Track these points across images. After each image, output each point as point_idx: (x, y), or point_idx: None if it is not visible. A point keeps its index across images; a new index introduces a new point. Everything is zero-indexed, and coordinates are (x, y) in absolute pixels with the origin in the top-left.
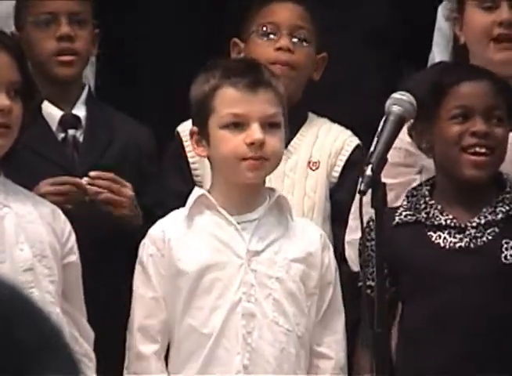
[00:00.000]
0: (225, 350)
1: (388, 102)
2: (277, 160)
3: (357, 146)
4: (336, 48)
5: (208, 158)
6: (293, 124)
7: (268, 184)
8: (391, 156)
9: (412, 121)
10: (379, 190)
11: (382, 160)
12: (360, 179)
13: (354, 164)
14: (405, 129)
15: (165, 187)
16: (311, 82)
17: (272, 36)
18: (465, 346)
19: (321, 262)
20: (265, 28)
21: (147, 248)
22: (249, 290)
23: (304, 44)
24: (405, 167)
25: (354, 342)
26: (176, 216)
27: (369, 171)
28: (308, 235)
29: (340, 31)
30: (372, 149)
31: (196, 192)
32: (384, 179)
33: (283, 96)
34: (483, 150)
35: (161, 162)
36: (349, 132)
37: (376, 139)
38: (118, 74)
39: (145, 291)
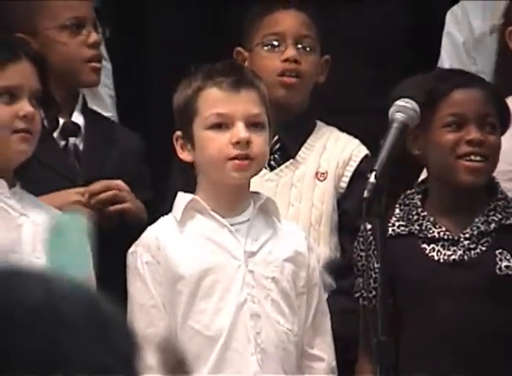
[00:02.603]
0: (235, 352)
1: (392, 109)
2: (263, 161)
3: (365, 156)
4: (344, 61)
5: (192, 163)
6: (301, 133)
7: (275, 194)
8: None
9: None
10: (382, 198)
11: (385, 168)
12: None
13: (362, 174)
14: None
15: (171, 188)
16: (320, 94)
17: (277, 47)
18: (462, 358)
19: (308, 262)
20: (269, 39)
21: (141, 256)
22: (251, 291)
23: (310, 52)
24: None
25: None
26: (166, 222)
27: (372, 178)
28: (295, 236)
29: (348, 45)
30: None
31: (185, 197)
32: None
33: (265, 96)
34: (478, 158)
35: (170, 164)
36: (357, 142)
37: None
38: (125, 75)
39: (144, 299)
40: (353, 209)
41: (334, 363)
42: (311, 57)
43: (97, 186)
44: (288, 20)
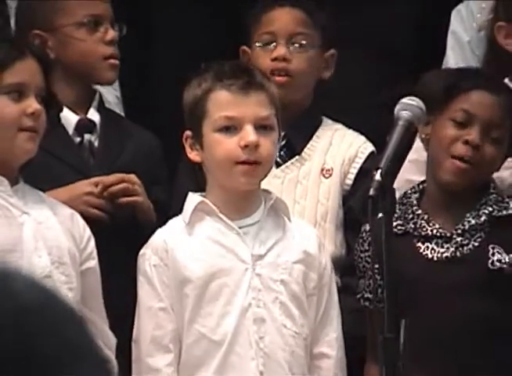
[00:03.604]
0: (237, 357)
1: (398, 107)
2: (270, 165)
3: (371, 153)
4: (349, 61)
5: (201, 163)
6: (307, 130)
7: (281, 191)
8: None
9: None
10: (387, 195)
11: (391, 166)
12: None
13: (367, 171)
14: None
15: (178, 189)
16: (325, 86)
17: (270, 45)
18: (456, 354)
19: (319, 262)
20: (263, 38)
21: (149, 259)
22: (257, 295)
23: (304, 49)
24: None
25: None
26: (175, 224)
27: (378, 176)
28: (305, 235)
29: (353, 44)
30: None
31: (194, 198)
32: None
33: (275, 98)
34: (467, 164)
35: (178, 164)
36: (363, 138)
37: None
38: (135, 75)
39: (152, 302)
40: (358, 206)
41: (344, 358)
42: (306, 54)
43: (111, 178)
44: (282, 19)
